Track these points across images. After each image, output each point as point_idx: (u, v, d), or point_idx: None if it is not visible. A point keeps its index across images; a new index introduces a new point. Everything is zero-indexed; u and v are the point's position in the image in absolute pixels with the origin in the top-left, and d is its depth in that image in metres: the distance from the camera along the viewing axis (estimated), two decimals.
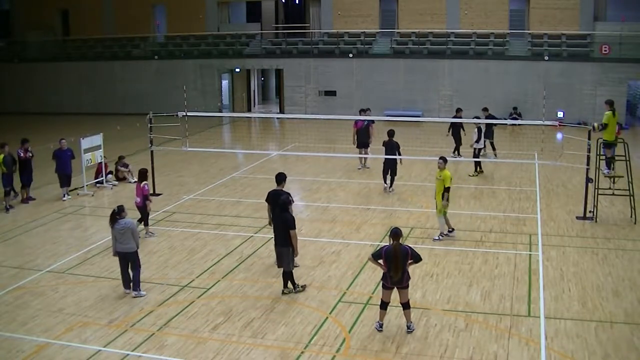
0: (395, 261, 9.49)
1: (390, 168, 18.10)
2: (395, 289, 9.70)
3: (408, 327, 9.81)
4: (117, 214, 11.25)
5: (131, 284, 11.31)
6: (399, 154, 18.08)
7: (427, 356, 9.09)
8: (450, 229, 14.22)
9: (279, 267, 11.42)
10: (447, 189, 13.68)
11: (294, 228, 11.01)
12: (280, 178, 12.74)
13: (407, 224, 15.07)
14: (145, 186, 14.32)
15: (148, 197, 14.36)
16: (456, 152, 21.99)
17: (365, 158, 21.15)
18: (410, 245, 9.94)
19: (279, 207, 11.24)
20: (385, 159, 18.06)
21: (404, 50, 34.12)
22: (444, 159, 13.99)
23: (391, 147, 17.98)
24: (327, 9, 36.30)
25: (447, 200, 13.75)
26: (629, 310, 10.50)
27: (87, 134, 19.63)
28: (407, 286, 9.73)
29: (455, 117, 22.17)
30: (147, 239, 14.25)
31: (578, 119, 28.58)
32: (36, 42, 40.31)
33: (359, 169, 21.11)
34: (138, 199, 14.34)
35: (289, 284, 11.29)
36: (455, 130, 22.06)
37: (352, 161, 21.46)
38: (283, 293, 11.18)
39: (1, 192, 17.36)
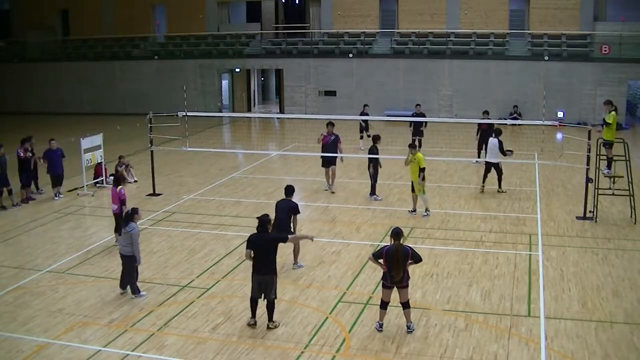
0: (397, 261, 9.50)
1: (371, 174, 17.41)
2: (395, 289, 9.71)
3: (408, 327, 9.81)
4: (129, 216, 11.35)
5: (130, 288, 11.30)
6: (378, 160, 17.29)
7: (427, 356, 9.09)
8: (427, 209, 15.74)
9: (256, 298, 10.02)
10: (422, 169, 15.35)
11: (285, 239, 10.42)
12: (289, 190, 12.38)
13: (407, 224, 15.06)
14: (122, 190, 13.65)
15: (125, 202, 13.64)
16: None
17: (332, 179, 18.40)
18: (410, 246, 9.93)
19: (259, 225, 9.99)
20: (368, 165, 17.34)
21: (404, 50, 34.12)
22: (413, 146, 15.88)
23: (372, 153, 17.19)
24: (327, 9, 36.30)
25: (423, 179, 15.43)
26: (629, 310, 10.50)
27: (87, 133, 19.63)
28: (407, 286, 9.73)
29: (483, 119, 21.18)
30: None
31: (578, 119, 28.60)
32: (36, 42, 40.30)
33: (326, 189, 18.46)
34: (115, 206, 13.54)
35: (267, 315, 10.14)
36: (483, 134, 20.57)
37: (353, 161, 21.40)
38: (268, 328, 9.97)
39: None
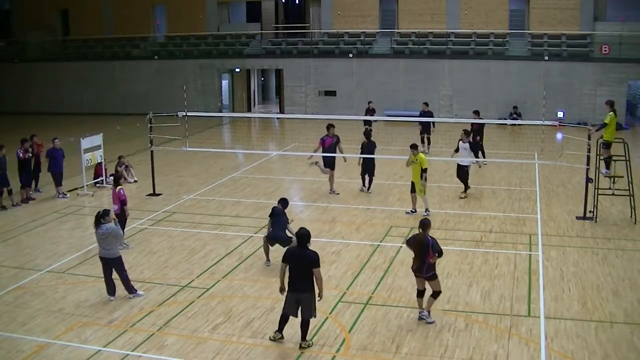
0: (416, 250, 9.77)
1: (368, 170, 17.67)
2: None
3: (420, 314, 10.03)
4: (100, 217, 10.96)
5: (125, 289, 11.19)
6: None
7: (427, 356, 9.09)
8: (427, 209, 15.70)
9: (288, 315, 9.44)
10: (424, 170, 15.36)
11: (319, 265, 9.22)
12: (285, 203, 12.59)
13: (407, 224, 15.06)
14: (121, 191, 13.58)
15: (125, 202, 13.61)
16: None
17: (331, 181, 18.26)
18: (434, 238, 9.91)
19: (299, 240, 9.39)
20: (363, 160, 17.55)
21: (404, 50, 34.12)
22: (415, 146, 15.75)
23: (369, 148, 17.58)
24: (327, 9, 36.30)
25: (425, 180, 15.43)
26: (629, 310, 10.50)
27: (87, 133, 19.63)
28: (432, 277, 9.87)
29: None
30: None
31: (578, 119, 28.58)
32: (36, 42, 40.30)
33: (331, 192, 18.12)
34: (116, 207, 13.37)
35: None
36: (475, 134, 20.24)
37: (353, 160, 21.29)
38: (301, 347, 9.30)
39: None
